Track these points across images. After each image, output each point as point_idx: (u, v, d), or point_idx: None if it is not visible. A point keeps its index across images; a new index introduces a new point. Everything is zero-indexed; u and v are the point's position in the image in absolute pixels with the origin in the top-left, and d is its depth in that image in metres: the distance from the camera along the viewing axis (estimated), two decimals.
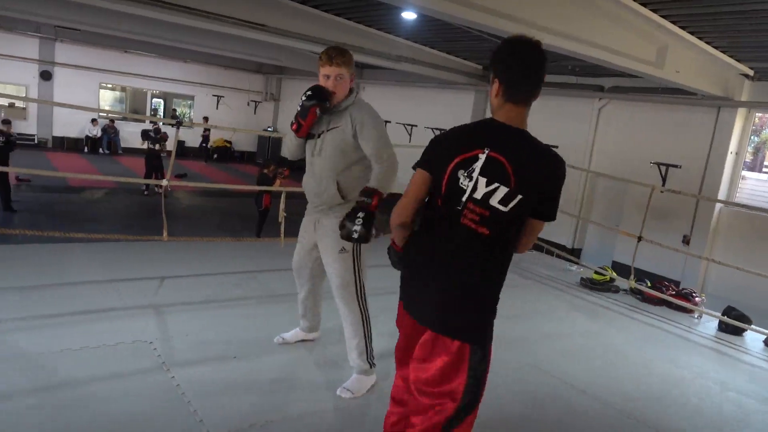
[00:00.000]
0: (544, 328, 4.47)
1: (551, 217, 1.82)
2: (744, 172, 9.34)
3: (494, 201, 1.75)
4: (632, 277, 5.58)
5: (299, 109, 2.76)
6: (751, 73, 8.49)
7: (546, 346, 4.03)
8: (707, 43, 7.55)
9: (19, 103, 17.62)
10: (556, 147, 10.02)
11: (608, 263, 8.42)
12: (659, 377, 3.80)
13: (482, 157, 1.76)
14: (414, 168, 1.93)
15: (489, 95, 1.89)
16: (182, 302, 3.92)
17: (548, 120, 11.79)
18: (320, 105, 2.71)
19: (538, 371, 3.58)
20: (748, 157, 9.68)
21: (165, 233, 4.69)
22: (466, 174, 1.77)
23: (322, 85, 2.74)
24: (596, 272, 5.89)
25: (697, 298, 5.44)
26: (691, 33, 7.14)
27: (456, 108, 13.77)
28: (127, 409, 2.56)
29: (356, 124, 2.72)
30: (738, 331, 4.85)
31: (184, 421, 2.53)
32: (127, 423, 2.47)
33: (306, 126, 2.79)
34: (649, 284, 5.60)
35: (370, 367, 2.93)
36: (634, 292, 5.66)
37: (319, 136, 2.81)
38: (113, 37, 14.34)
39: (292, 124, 2.84)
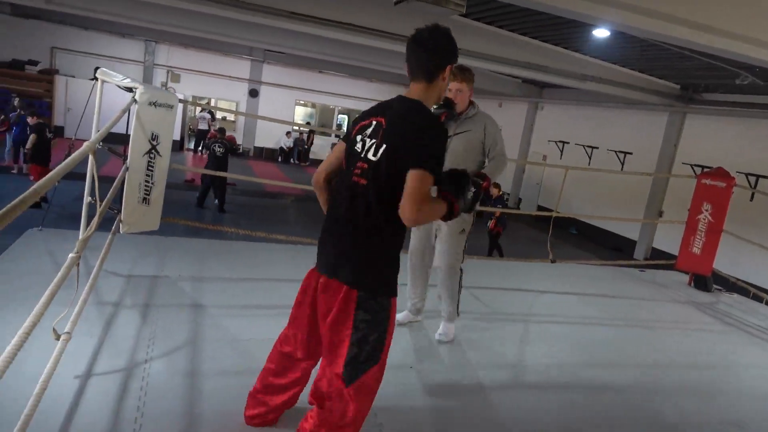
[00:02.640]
0: (750, 383, 3.92)
1: (418, 162, 1.88)
2: None
3: (369, 154, 1.99)
4: None
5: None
6: None
7: (754, 407, 3.53)
8: None
9: (230, 117, 20.35)
10: (766, 177, 8.80)
11: None
12: None
13: (374, 122, 2.04)
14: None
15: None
16: None
17: (756, 146, 10.38)
18: (448, 112, 3.24)
19: None
20: None
21: None
22: (361, 138, 2.04)
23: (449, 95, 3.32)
24: None
25: None
26: None
27: (645, 130, 12.76)
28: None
29: (487, 130, 3.41)
30: None
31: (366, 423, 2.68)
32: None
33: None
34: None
35: (457, 316, 3.70)
36: None
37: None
38: (310, 58, 15.86)
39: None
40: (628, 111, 13.17)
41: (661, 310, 5.36)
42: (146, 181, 4.13)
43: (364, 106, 20.61)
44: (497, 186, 9.99)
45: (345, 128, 22.01)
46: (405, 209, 1.87)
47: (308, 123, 20.40)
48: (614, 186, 13.13)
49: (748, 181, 10.17)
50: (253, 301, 3.94)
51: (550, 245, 5.92)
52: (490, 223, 9.81)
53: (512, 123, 17.51)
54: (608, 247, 12.61)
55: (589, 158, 14.10)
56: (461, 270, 3.62)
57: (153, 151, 4.14)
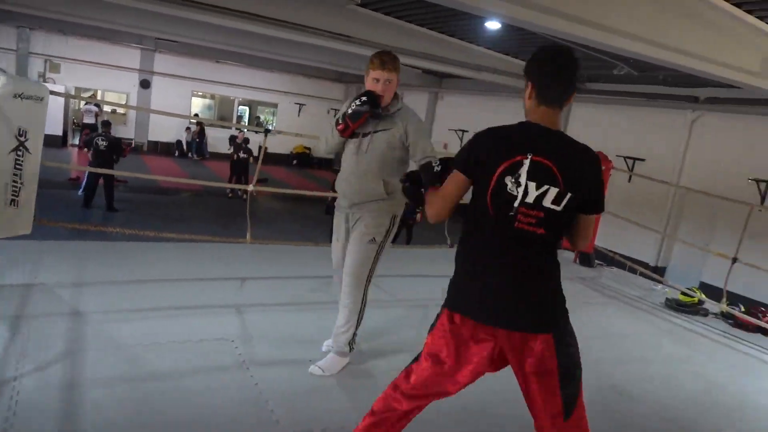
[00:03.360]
0: (625, 350, 4.27)
1: (601, 208, 1.96)
2: None
3: (547, 202, 1.86)
4: (724, 300, 5.21)
5: (350, 112, 2.92)
6: None
7: (629, 370, 3.85)
8: None
9: (120, 110, 19.07)
10: (643, 160, 9.68)
11: (695, 284, 7.93)
12: (755, 411, 3.53)
13: (526, 162, 1.85)
14: (452, 167, 2.02)
15: (526, 98, 1.99)
16: (262, 303, 4.08)
17: (633, 132, 11.32)
18: (372, 111, 2.90)
19: (620, 396, 3.43)
20: None
21: (249, 236, 4.90)
22: (513, 180, 1.86)
23: (371, 88, 2.92)
24: (683, 293, 5.55)
25: None
26: None
27: None
28: (208, 403, 2.70)
29: (408, 129, 2.96)
30: None
31: (262, 419, 2.63)
32: (208, 416, 2.60)
33: (353, 128, 2.98)
34: (743, 309, 5.21)
35: (349, 351, 3.17)
36: (725, 316, 5.29)
37: (364, 136, 2.99)
38: (206, 47, 15.19)
39: (338, 124, 3.00)
40: (511, 99, 13.86)
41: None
42: (14, 182, 3.74)
43: (266, 97, 19.87)
44: None
45: (245, 120, 21.37)
46: (579, 245, 2.06)
47: (196, 115, 19.44)
48: None
49: (627, 165, 11.06)
50: (140, 303, 3.72)
51: (447, 231, 6.09)
52: (418, 216, 9.42)
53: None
54: None
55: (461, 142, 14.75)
56: (367, 288, 3.12)
57: (21, 147, 3.75)
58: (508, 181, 1.86)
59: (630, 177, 10.67)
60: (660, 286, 6.17)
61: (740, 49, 6.55)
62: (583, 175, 1.89)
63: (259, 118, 21.48)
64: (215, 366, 3.07)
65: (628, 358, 4.11)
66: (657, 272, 10.21)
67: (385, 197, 3.01)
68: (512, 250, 1.91)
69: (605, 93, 11.79)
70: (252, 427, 2.58)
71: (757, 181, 8.98)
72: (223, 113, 21.20)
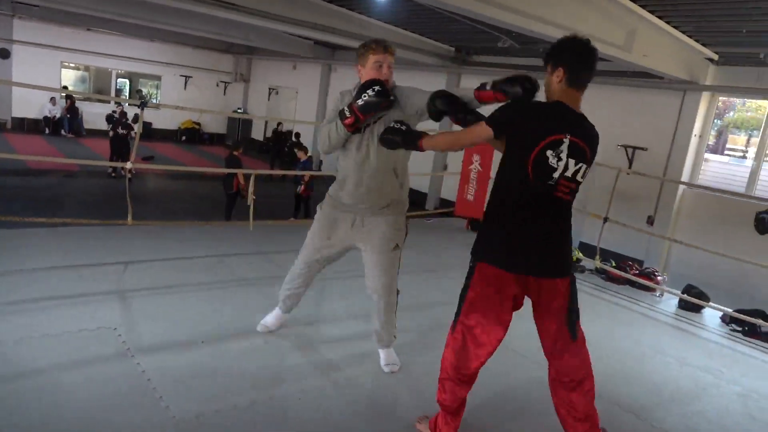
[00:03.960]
0: None
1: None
2: (707, 155, 9.57)
3: (579, 176, 2.23)
4: (597, 257, 5.70)
5: (361, 103, 2.62)
6: (715, 57, 8.65)
7: (513, 326, 4.09)
8: (674, 27, 7.66)
9: None
10: None
11: (576, 244, 8.59)
12: (621, 354, 3.91)
13: (566, 141, 2.16)
14: (486, 122, 2.26)
15: (547, 80, 2.26)
16: (148, 287, 3.85)
17: None
18: (389, 102, 2.66)
19: (506, 350, 3.63)
20: (711, 140, 9.92)
21: (130, 217, 4.59)
22: (554, 154, 2.15)
23: (375, 74, 2.72)
24: None
25: (659, 277, 5.60)
26: (659, 17, 7.23)
27: (429, 89, 13.72)
28: (91, 396, 2.52)
29: (403, 101, 2.77)
30: (697, 309, 5.02)
31: (150, 407, 2.51)
32: (92, 411, 2.43)
33: (363, 121, 2.71)
34: (613, 264, 5.73)
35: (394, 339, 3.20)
36: (599, 271, 5.80)
37: (364, 129, 2.76)
38: (74, 14, 13.82)
39: (345, 117, 2.67)
40: (413, 72, 14.02)
41: (445, 253, 5.92)
42: None
43: (148, 69, 18.49)
44: (304, 149, 9.80)
45: (126, 94, 19.88)
46: None
47: (65, 88, 17.72)
48: None
49: None
50: (6, 297, 3.37)
51: None
52: (300, 189, 9.44)
53: (308, 85, 17.54)
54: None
55: None
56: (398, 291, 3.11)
57: None
58: (549, 155, 2.15)
59: None
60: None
61: (608, 24, 7.05)
62: (595, 154, 2.28)
63: (141, 91, 20.02)
64: (97, 357, 2.87)
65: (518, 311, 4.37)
66: None
67: (400, 194, 2.92)
68: (549, 213, 2.24)
69: (491, 65, 12.26)
70: (140, 416, 2.45)
71: (625, 147, 9.83)
72: (100, 86, 19.51)
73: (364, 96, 2.62)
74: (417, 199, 13.41)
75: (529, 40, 9.13)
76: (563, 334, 2.36)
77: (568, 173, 2.19)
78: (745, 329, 4.62)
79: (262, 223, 5.75)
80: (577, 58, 2.21)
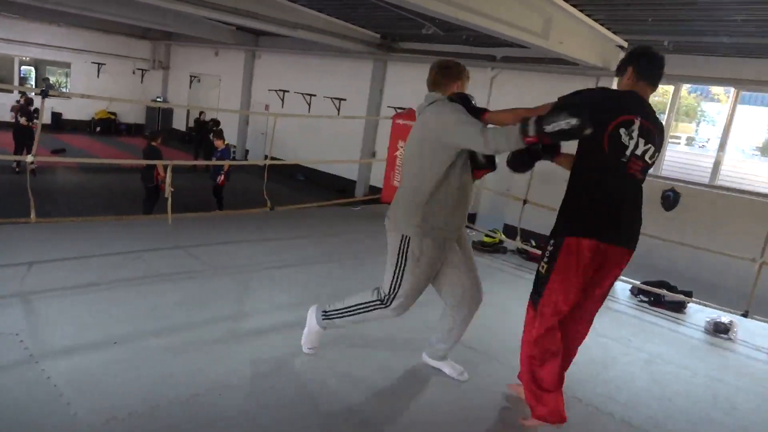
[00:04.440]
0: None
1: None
2: None
3: (647, 156, 2.46)
4: (518, 238, 5.90)
5: (554, 130, 2.22)
6: (625, 44, 9.10)
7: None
8: (587, 15, 7.99)
9: None
10: None
11: (500, 226, 8.85)
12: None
13: (637, 122, 2.41)
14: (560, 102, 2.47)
15: (621, 84, 2.58)
16: (54, 288, 3.61)
17: None
18: (580, 136, 2.29)
19: (432, 332, 3.70)
20: None
21: (33, 214, 4.29)
22: (627, 133, 2.39)
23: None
24: (486, 235, 6.17)
25: None
26: (573, 5, 7.52)
27: (355, 77, 13.67)
28: None
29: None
30: None
31: (57, 415, 2.36)
32: None
33: (537, 144, 2.42)
34: (534, 244, 5.95)
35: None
36: (520, 252, 6.00)
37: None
38: None
39: (527, 134, 2.29)
40: (340, 59, 13.91)
41: (367, 241, 5.93)
42: None
43: (56, 56, 17.29)
44: (222, 137, 9.44)
45: (33, 83, 18.56)
46: None
47: None
48: (334, 131, 13.92)
49: None
50: None
51: (267, 193, 6.00)
52: (220, 179, 8.91)
53: (231, 72, 17.01)
54: (334, 190, 13.44)
55: (309, 106, 14.62)
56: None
57: None
58: (622, 132, 2.38)
59: None
60: (468, 231, 6.76)
61: (527, 12, 7.26)
62: (662, 141, 2.52)
63: (47, 80, 18.70)
64: None
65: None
66: (469, 218, 11.22)
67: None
68: (630, 190, 2.49)
69: (417, 52, 12.35)
70: (47, 424, 2.30)
71: None
72: (2, 75, 18.07)
73: (559, 122, 2.22)
74: (346, 187, 13.39)
75: (453, 27, 9.24)
76: (600, 302, 2.68)
77: (638, 152, 2.43)
78: (651, 299, 4.94)
79: (182, 217, 5.54)
80: (642, 55, 2.56)
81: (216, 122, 13.66)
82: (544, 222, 8.97)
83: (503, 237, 6.19)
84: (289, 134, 15.31)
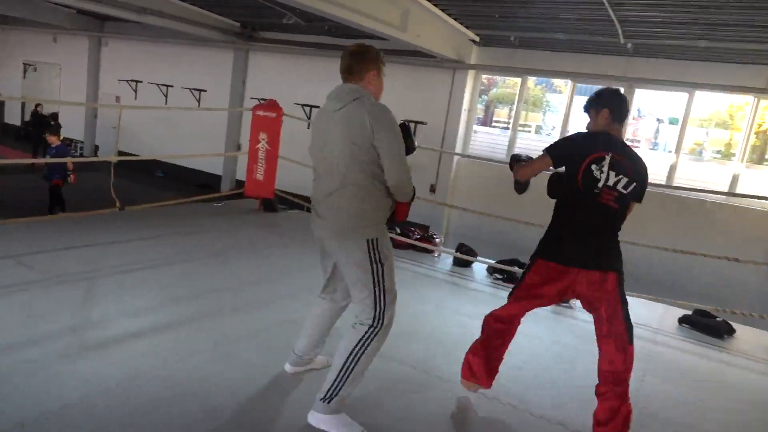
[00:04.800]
0: (303, 284, 4.58)
1: (641, 199, 2.83)
2: (476, 127, 10.74)
3: (619, 186, 2.71)
4: None
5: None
6: (477, 39, 9.66)
7: (307, 302, 4.14)
8: (442, 10, 8.34)
9: None
10: (318, 107, 10.11)
11: None
12: (407, 315, 4.19)
13: (608, 157, 2.71)
14: (544, 152, 2.85)
15: (594, 121, 2.89)
16: None
17: (309, 81, 11.97)
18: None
19: (297, 327, 3.66)
20: (481, 114, 11.15)
21: None
22: (598, 168, 2.70)
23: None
24: None
25: (437, 239, 6.13)
26: (428, 0, 7.81)
27: (215, 67, 13.08)
28: None
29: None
30: (468, 264, 5.63)
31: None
32: None
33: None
34: (398, 231, 6.12)
35: None
36: None
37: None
38: None
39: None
40: (199, 48, 13.21)
41: (229, 238, 5.71)
42: None
43: None
44: (57, 132, 8.39)
45: None
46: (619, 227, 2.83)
47: None
48: (195, 124, 13.23)
49: (305, 112, 11.70)
50: None
51: (116, 192, 5.53)
52: (71, 178, 7.75)
53: (73, 60, 15.45)
54: (197, 185, 12.79)
55: (166, 97, 13.73)
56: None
57: None
58: (594, 168, 2.70)
59: (308, 124, 11.34)
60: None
61: (386, 5, 7.40)
62: (641, 172, 2.78)
63: None
64: None
65: (305, 288, 4.42)
66: None
67: None
68: (596, 217, 2.74)
69: (278, 42, 12.10)
70: None
71: (408, 121, 10.54)
72: None
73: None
74: (211, 182, 12.83)
75: (314, 17, 9.16)
76: (616, 329, 2.71)
77: (610, 183, 2.71)
78: (505, 276, 5.31)
79: (12, 222, 4.94)
80: (622, 105, 2.88)
81: (54, 116, 12.35)
82: (413, 209, 9.39)
83: None
84: (145, 128, 14.30)
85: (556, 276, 2.77)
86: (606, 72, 8.95)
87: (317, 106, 11.74)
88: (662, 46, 7.99)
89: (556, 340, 4.08)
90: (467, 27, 9.24)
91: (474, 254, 5.69)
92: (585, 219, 2.75)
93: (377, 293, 2.48)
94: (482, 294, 4.98)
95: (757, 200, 8.00)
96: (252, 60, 12.81)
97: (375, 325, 2.48)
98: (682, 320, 4.74)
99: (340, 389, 2.48)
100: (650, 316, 4.84)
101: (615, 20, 6.95)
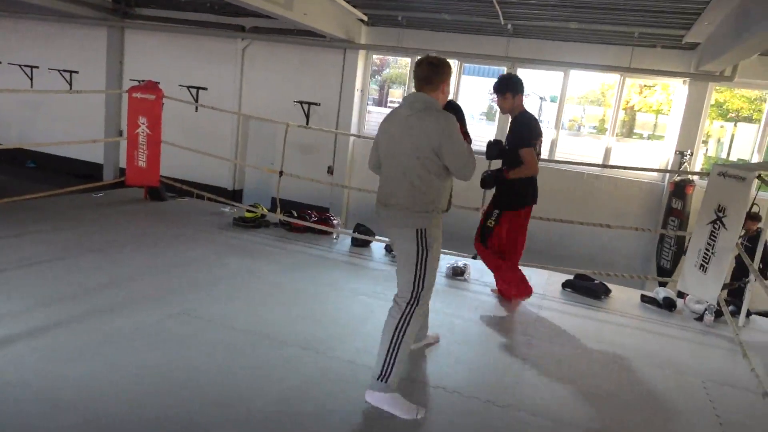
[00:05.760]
0: (195, 275, 4.37)
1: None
2: (371, 107, 10.77)
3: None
4: (278, 210, 5.90)
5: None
6: (365, 18, 9.63)
7: (200, 293, 3.96)
8: None
9: None
10: (206, 89, 9.66)
11: (269, 201, 8.79)
12: (304, 297, 4.15)
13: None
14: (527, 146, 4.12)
15: (513, 102, 4.22)
16: None
17: (194, 61, 11.35)
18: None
19: (192, 318, 3.49)
20: (376, 94, 11.17)
21: None
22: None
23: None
24: (248, 210, 6.03)
25: (335, 221, 6.10)
26: None
27: (87, 47, 12.01)
28: None
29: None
30: (365, 244, 5.66)
31: None
32: None
33: None
34: (296, 214, 6.01)
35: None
36: (282, 224, 6.02)
37: None
38: None
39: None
40: (68, 26, 12.04)
41: (111, 231, 5.33)
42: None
43: None
44: None
45: None
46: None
47: None
48: (68, 109, 12.12)
49: (191, 94, 11.09)
50: None
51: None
52: None
53: None
54: (77, 175, 11.77)
55: (31, 80, 12.41)
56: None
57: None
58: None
59: (196, 107, 10.79)
60: (228, 208, 6.53)
61: None
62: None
63: None
64: None
65: (198, 281, 4.23)
66: (235, 195, 10.90)
67: None
68: None
69: (159, 19, 11.33)
70: None
71: (301, 103, 10.35)
72: None
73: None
74: (92, 171, 11.87)
75: None
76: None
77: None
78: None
79: None
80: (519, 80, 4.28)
81: None
82: (311, 191, 9.27)
83: (265, 211, 6.12)
84: (8, 114, 12.91)
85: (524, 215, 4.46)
86: (489, 52, 9.30)
87: (204, 88, 11.18)
88: (538, 27, 8.43)
89: (450, 312, 4.22)
90: (354, 6, 9.17)
91: (372, 234, 5.72)
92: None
93: (417, 277, 2.74)
94: (380, 272, 5.03)
95: (628, 171, 8.76)
96: (129, 39, 11.90)
97: (411, 303, 2.75)
98: (565, 285, 5.09)
99: (393, 366, 2.69)
100: (536, 283, 5.13)
101: (494, 1, 7.21)
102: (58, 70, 12.18)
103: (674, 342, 4.17)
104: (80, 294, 3.71)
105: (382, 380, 2.70)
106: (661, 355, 3.88)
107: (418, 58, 2.89)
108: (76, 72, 12.21)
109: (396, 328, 2.72)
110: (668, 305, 4.76)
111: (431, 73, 2.77)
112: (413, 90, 2.83)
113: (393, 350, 2.70)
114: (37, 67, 12.43)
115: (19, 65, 12.42)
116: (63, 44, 12.30)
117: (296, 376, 2.98)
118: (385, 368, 2.70)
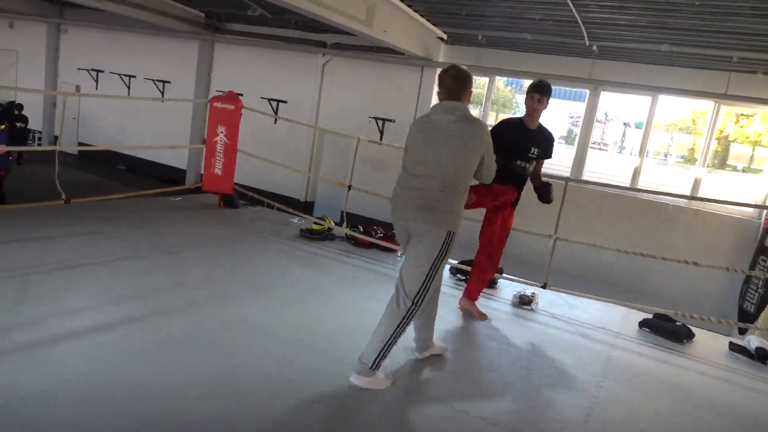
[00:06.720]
0: (256, 283, 4.40)
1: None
2: None
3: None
4: (345, 224, 5.89)
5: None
6: (444, 36, 9.59)
7: (258, 301, 3.97)
8: (408, 6, 8.24)
9: None
10: (285, 102, 9.97)
11: (338, 214, 8.84)
12: (358, 312, 4.07)
13: None
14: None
15: (544, 106, 4.24)
16: None
17: (276, 75, 11.73)
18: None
19: (246, 325, 3.50)
20: None
21: None
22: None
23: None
24: (315, 223, 6.06)
25: None
26: None
27: (180, 58, 12.73)
28: None
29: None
30: None
31: None
32: None
33: None
34: (362, 230, 5.98)
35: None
36: (348, 238, 6.00)
37: None
38: None
39: None
40: (163, 39, 12.84)
41: (182, 234, 5.49)
42: None
43: None
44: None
45: None
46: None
47: None
48: (159, 116, 12.87)
49: (271, 107, 11.45)
50: None
51: (60, 185, 5.26)
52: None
53: (31, 48, 14.87)
54: (162, 179, 12.42)
55: (128, 88, 13.29)
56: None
57: None
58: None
59: (275, 119, 11.11)
60: (297, 219, 6.60)
61: None
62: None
63: None
64: None
65: (260, 286, 4.25)
66: (307, 207, 11.08)
67: None
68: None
69: (245, 34, 11.83)
70: None
71: (376, 119, 10.41)
72: None
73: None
74: (175, 176, 12.48)
75: (280, 10, 8.95)
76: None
77: None
78: (467, 278, 5.21)
79: None
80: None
81: (19, 106, 11.85)
82: (379, 207, 9.26)
83: (332, 224, 6.13)
84: (106, 119, 13.86)
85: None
86: (572, 73, 8.98)
87: (284, 101, 11.51)
88: (626, 49, 8.05)
89: (513, 343, 4.00)
90: (435, 24, 9.16)
91: None
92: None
93: (427, 278, 2.88)
94: (443, 295, 4.86)
95: (717, 205, 8.12)
96: (218, 52, 12.50)
97: (415, 303, 2.89)
98: (643, 324, 4.72)
99: (385, 357, 2.89)
100: (611, 319, 4.81)
101: (579, 22, 6.95)
102: (153, 80, 12.97)
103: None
104: (144, 294, 3.81)
105: (373, 368, 2.88)
106: (751, 414, 3.47)
107: (445, 67, 3.07)
108: (169, 82, 12.95)
109: (399, 323, 2.88)
110: (761, 357, 4.28)
111: (460, 86, 2.98)
112: (451, 101, 2.97)
113: (390, 342, 2.88)
114: (134, 77, 13.29)
115: (119, 74, 13.34)
116: (158, 56, 13.10)
117: (336, 391, 2.88)
118: (378, 357, 2.88)
